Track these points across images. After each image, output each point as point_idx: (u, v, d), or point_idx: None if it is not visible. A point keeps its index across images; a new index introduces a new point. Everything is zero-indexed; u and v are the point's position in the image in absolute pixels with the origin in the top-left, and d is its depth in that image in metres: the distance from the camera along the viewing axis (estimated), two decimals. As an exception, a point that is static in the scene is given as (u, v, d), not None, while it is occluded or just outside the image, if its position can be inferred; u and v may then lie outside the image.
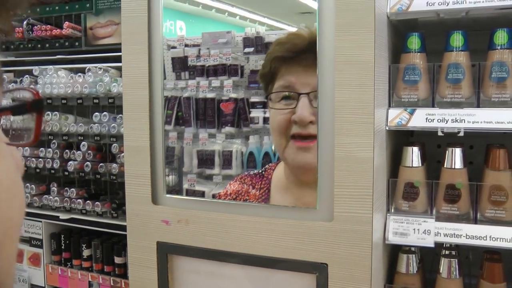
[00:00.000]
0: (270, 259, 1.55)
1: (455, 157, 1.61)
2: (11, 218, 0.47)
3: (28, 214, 2.59)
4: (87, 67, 2.29)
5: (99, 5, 2.36)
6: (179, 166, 1.74)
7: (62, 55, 2.44)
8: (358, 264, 1.43)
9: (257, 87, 1.59)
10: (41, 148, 2.49)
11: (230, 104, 1.51)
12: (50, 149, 2.47)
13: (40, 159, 2.48)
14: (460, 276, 1.65)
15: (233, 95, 1.62)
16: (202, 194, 1.70)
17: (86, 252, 2.46)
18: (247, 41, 1.59)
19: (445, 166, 1.63)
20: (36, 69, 2.45)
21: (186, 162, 1.73)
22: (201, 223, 1.65)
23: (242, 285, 1.63)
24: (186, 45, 1.68)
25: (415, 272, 1.70)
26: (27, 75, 2.49)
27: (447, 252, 1.70)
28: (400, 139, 1.88)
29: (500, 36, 1.55)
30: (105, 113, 2.25)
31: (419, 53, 1.63)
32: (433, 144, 2.01)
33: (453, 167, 1.61)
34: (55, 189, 2.49)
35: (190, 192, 1.71)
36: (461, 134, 1.52)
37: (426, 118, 1.55)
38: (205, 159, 1.69)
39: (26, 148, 2.53)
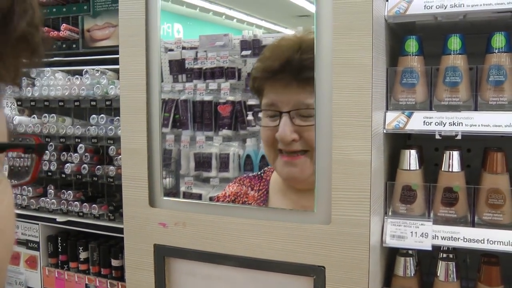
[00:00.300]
0: (268, 261, 1.54)
1: (453, 160, 1.61)
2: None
3: (25, 216, 2.58)
4: (85, 69, 2.28)
5: (97, 7, 2.36)
6: (176, 169, 1.74)
7: (60, 57, 2.44)
8: (356, 267, 1.43)
9: (254, 90, 1.59)
10: (38, 151, 2.48)
11: (227, 106, 1.51)
12: (47, 151, 2.46)
13: (37, 162, 2.47)
14: (457, 279, 1.65)
15: (231, 98, 1.62)
16: (199, 196, 1.69)
17: (83, 255, 2.46)
18: (245, 44, 1.59)
19: (442, 169, 1.63)
20: (33, 71, 2.44)
21: (183, 165, 1.72)
22: (198, 226, 1.64)
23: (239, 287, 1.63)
24: (184, 48, 1.68)
25: (412, 275, 1.70)
26: (24, 77, 2.48)
27: (444, 255, 1.70)
28: (398, 142, 1.88)
29: (498, 40, 1.55)
30: (102, 115, 2.24)
31: (416, 56, 1.63)
32: (431, 148, 2.01)
33: (450, 170, 1.61)
34: (52, 191, 2.48)
35: (187, 195, 1.71)
36: (459, 137, 1.52)
37: (424, 121, 1.55)
38: (202, 162, 1.69)
39: (23, 150, 2.52)
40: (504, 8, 1.45)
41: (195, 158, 1.70)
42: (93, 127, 2.25)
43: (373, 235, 1.47)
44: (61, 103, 2.39)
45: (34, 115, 2.48)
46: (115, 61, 1.83)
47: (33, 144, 0.52)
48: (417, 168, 1.65)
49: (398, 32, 1.80)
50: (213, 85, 1.65)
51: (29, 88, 2.42)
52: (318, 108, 1.46)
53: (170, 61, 1.70)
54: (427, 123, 1.54)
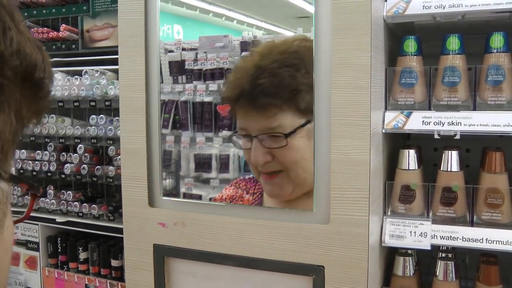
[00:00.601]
0: (267, 261, 1.55)
1: (452, 160, 1.61)
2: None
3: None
4: (84, 70, 2.28)
5: (96, 8, 2.36)
6: (176, 170, 1.74)
7: (59, 57, 2.44)
8: (355, 266, 1.43)
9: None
10: (37, 151, 2.49)
11: (227, 106, 1.51)
12: (46, 151, 2.46)
13: (37, 162, 2.48)
14: (456, 278, 1.66)
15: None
16: (199, 198, 1.70)
17: (82, 255, 2.46)
18: (244, 45, 1.59)
19: (441, 169, 1.63)
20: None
21: (183, 166, 1.73)
22: (198, 226, 1.65)
23: (238, 287, 1.63)
24: (183, 49, 1.68)
25: (411, 274, 1.70)
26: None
27: (443, 255, 1.70)
28: (397, 142, 1.89)
29: (496, 40, 1.56)
30: (101, 115, 2.24)
31: (415, 56, 1.63)
32: (430, 148, 2.02)
33: (449, 170, 1.62)
34: (52, 192, 2.48)
35: (187, 196, 1.71)
36: (458, 137, 1.52)
37: (423, 121, 1.55)
38: (202, 163, 1.69)
39: (23, 150, 2.53)
40: (503, 8, 1.46)
41: (195, 159, 1.70)
42: (93, 127, 2.26)
43: (372, 234, 1.47)
44: (60, 104, 2.39)
45: (34, 116, 2.47)
46: (115, 62, 1.83)
47: (37, 184, 0.57)
48: (416, 168, 1.66)
49: (397, 32, 1.80)
50: (213, 86, 1.65)
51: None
52: (317, 108, 1.46)
53: (170, 62, 1.70)
54: (426, 123, 1.55)
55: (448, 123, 1.53)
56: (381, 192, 1.64)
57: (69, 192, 2.42)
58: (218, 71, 1.64)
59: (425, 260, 1.91)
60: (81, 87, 2.26)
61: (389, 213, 1.67)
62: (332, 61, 1.42)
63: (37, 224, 2.56)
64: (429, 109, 1.60)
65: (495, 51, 1.56)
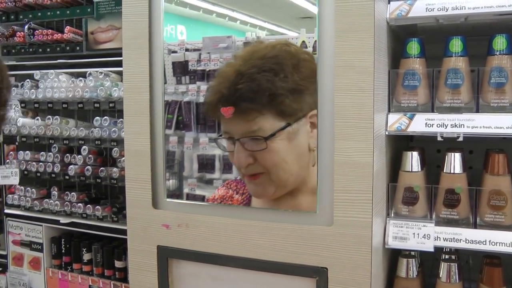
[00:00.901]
0: (270, 263, 1.55)
1: (455, 162, 1.62)
2: None
3: (28, 218, 2.60)
4: (88, 72, 2.29)
5: (100, 10, 2.37)
6: (179, 171, 1.74)
7: (63, 59, 2.45)
8: (358, 268, 1.43)
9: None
10: (41, 152, 2.50)
11: (230, 109, 1.51)
12: (50, 153, 2.47)
13: (41, 163, 2.49)
14: (460, 280, 1.66)
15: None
16: (202, 198, 1.70)
17: (86, 256, 2.46)
18: (248, 46, 1.59)
19: (444, 171, 1.63)
20: (37, 73, 2.45)
21: (186, 167, 1.73)
22: (201, 227, 1.65)
23: (242, 289, 1.63)
24: (187, 50, 1.68)
25: (415, 276, 1.70)
26: (28, 79, 2.50)
27: (446, 257, 1.70)
28: (400, 144, 1.89)
29: (499, 42, 1.56)
30: (106, 117, 2.25)
31: (418, 59, 1.64)
32: (433, 149, 2.02)
33: (452, 171, 1.62)
34: (56, 193, 2.49)
35: (191, 197, 1.71)
36: (461, 139, 1.52)
37: (426, 123, 1.55)
38: (206, 164, 1.69)
39: (27, 152, 2.54)
40: (506, 10, 1.46)
41: (198, 159, 1.70)
42: (97, 129, 2.26)
43: (375, 236, 1.47)
44: (64, 105, 2.40)
45: (38, 117, 2.49)
46: (119, 64, 1.83)
47: None
48: (419, 169, 1.66)
49: (400, 35, 1.80)
50: (216, 87, 1.65)
51: (33, 90, 2.43)
52: (320, 110, 1.47)
53: (173, 63, 1.70)
54: (429, 125, 1.55)
55: (451, 125, 1.53)
56: (384, 194, 1.64)
57: (73, 193, 2.44)
58: (221, 71, 1.63)
59: (428, 262, 1.90)
60: (85, 89, 2.27)
61: (392, 215, 1.67)
62: (335, 63, 1.43)
63: (41, 225, 2.57)
64: (432, 111, 1.60)
65: (498, 53, 1.56)
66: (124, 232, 1.89)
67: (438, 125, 1.54)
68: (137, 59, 1.72)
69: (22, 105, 2.55)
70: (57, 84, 2.37)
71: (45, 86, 2.40)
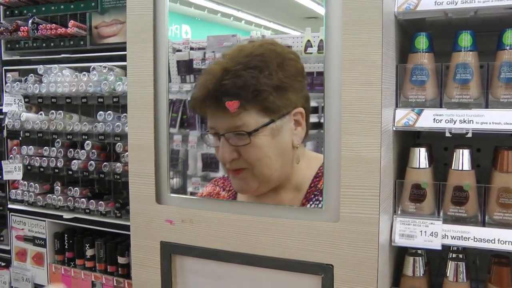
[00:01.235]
0: (275, 259, 1.53)
1: (463, 159, 1.59)
2: None
3: (32, 213, 2.59)
4: (92, 66, 2.28)
5: (105, 4, 2.35)
6: (183, 169, 1.73)
7: (67, 54, 2.43)
8: (364, 265, 1.42)
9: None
10: (45, 147, 2.49)
11: (235, 103, 1.49)
12: (54, 148, 2.46)
13: (44, 158, 2.48)
14: (467, 279, 1.63)
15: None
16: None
17: (89, 252, 2.45)
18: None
19: (452, 167, 1.61)
20: (40, 68, 2.44)
21: (190, 165, 1.72)
22: (205, 223, 1.63)
23: (246, 286, 1.61)
24: (192, 48, 1.68)
25: (421, 275, 1.68)
26: (31, 74, 2.48)
27: (454, 255, 1.68)
28: (407, 141, 1.86)
29: (509, 36, 1.53)
30: (109, 112, 2.24)
31: (427, 53, 1.61)
32: (440, 147, 1.99)
33: (461, 168, 1.59)
34: (59, 188, 2.48)
35: (195, 194, 1.70)
36: (469, 135, 1.50)
37: (434, 119, 1.53)
38: (210, 162, 1.68)
39: (30, 146, 2.53)
40: (517, 4, 1.43)
41: (202, 158, 1.70)
42: (100, 124, 2.25)
43: (382, 233, 1.45)
44: (68, 100, 2.38)
45: (41, 112, 2.48)
46: (123, 58, 1.82)
47: None
48: (427, 166, 1.63)
49: (408, 29, 1.78)
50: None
51: (36, 85, 2.42)
52: (327, 104, 1.45)
53: (178, 62, 1.69)
54: (437, 121, 1.52)
55: (459, 121, 1.50)
56: (391, 191, 1.62)
57: (76, 188, 2.42)
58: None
59: (435, 261, 1.88)
60: (88, 84, 2.25)
61: (399, 212, 1.65)
62: (343, 57, 1.41)
63: (44, 221, 2.57)
64: (441, 106, 1.58)
65: (508, 48, 1.53)
66: (127, 228, 1.87)
67: (447, 121, 1.51)
68: (141, 52, 1.71)
69: (26, 100, 2.54)
70: (60, 78, 2.36)
71: (49, 81, 2.38)
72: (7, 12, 2.63)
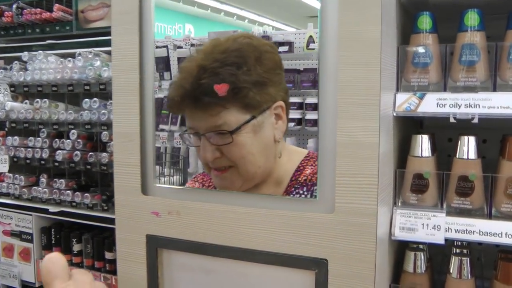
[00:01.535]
0: (266, 253, 1.44)
1: (469, 147, 1.49)
2: None
3: (18, 207, 2.51)
4: (78, 52, 2.19)
5: (92, -13, 2.27)
6: (184, 167, 1.70)
7: (53, 39, 2.34)
8: (361, 260, 1.32)
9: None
10: (30, 138, 2.40)
11: (224, 85, 1.41)
12: (39, 138, 2.37)
13: (29, 149, 2.39)
14: (472, 276, 1.54)
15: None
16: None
17: (76, 247, 2.38)
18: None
19: (457, 156, 1.51)
20: (25, 55, 2.35)
21: (191, 163, 1.68)
22: (194, 215, 1.55)
23: (235, 281, 1.53)
24: (192, 45, 1.67)
25: (423, 271, 1.59)
26: (16, 61, 2.39)
27: (458, 251, 1.59)
28: (409, 130, 1.77)
29: (519, 16, 1.43)
30: (95, 99, 2.15)
31: (430, 34, 1.51)
32: (444, 138, 1.90)
33: (466, 157, 1.49)
34: (44, 180, 2.39)
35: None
36: (475, 120, 1.40)
37: (437, 103, 1.43)
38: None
39: (15, 137, 2.44)
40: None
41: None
42: (86, 112, 2.16)
43: (380, 226, 1.35)
44: (54, 89, 2.30)
45: (27, 101, 2.39)
46: (109, 43, 1.74)
47: None
48: (430, 155, 1.54)
49: (410, 10, 1.68)
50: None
51: (21, 72, 2.33)
52: (321, 86, 1.35)
53: (179, 59, 1.67)
54: (441, 105, 1.42)
55: (465, 105, 1.40)
56: (391, 180, 1.52)
57: (61, 180, 2.33)
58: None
59: (437, 257, 1.79)
60: (74, 70, 2.16)
61: (399, 203, 1.55)
62: (340, 34, 1.31)
63: (31, 215, 2.49)
64: (445, 90, 1.48)
65: (517, 27, 1.43)
66: (114, 221, 1.79)
67: (451, 105, 1.41)
68: (126, 35, 1.62)
69: (12, 89, 2.45)
70: (45, 65, 2.27)
71: (33, 68, 2.29)
72: (-9, -2, 2.55)
